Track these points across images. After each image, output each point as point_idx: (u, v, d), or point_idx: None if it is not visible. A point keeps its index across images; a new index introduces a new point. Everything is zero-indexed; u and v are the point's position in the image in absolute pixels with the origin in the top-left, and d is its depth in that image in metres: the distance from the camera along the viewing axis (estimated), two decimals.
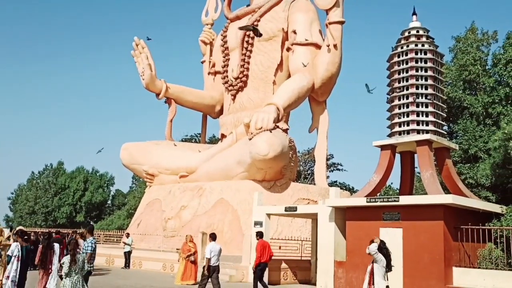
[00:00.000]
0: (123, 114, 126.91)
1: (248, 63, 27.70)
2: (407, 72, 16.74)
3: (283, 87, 25.39)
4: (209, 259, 12.96)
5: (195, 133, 50.00)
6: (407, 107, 16.50)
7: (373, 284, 9.74)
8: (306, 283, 18.30)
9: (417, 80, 16.55)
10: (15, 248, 10.76)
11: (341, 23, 24.78)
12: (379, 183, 16.36)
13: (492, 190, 23.28)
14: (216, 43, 30.91)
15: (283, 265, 18.40)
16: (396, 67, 17.06)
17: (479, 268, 13.60)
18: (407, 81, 16.70)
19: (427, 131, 15.97)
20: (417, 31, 17.10)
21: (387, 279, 9.74)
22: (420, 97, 16.41)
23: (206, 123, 32.49)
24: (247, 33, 27.62)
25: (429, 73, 16.56)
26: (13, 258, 10.62)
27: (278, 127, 23.40)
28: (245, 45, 27.68)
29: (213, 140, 43.24)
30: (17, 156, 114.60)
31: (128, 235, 23.22)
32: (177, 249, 19.82)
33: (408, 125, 16.34)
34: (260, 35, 25.33)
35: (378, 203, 14.72)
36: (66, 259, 9.23)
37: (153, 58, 29.25)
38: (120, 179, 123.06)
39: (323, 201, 16.66)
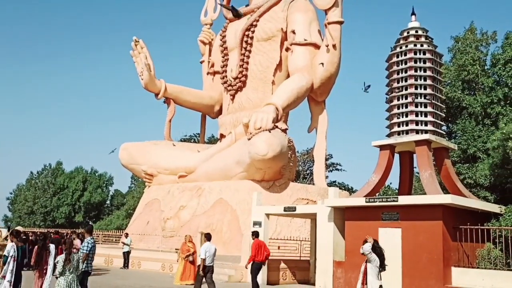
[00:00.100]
0: (122, 114, 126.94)
1: (247, 63, 27.70)
2: (406, 72, 16.74)
3: (282, 87, 25.39)
4: (204, 260, 13.00)
5: (194, 133, 50.00)
6: (406, 107, 16.50)
7: (366, 283, 9.75)
8: (305, 283, 18.29)
9: (416, 80, 16.56)
10: (11, 248, 10.74)
11: (340, 23, 24.80)
12: (378, 183, 16.36)
13: (491, 190, 23.31)
14: (215, 43, 30.92)
15: (282, 265, 18.39)
16: (395, 67, 17.07)
17: (478, 268, 13.60)
18: (406, 81, 16.70)
19: (426, 131, 15.97)
20: (416, 31, 17.10)
21: (381, 279, 9.74)
22: (419, 97, 16.41)
23: (205, 123, 32.49)
24: (246, 33, 27.63)
25: (428, 73, 16.57)
26: (9, 258, 10.59)
27: (277, 127, 23.40)
28: (244, 45, 27.68)
29: (212, 140, 43.23)
30: (16, 156, 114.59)
31: (127, 235, 23.19)
32: (176, 249, 19.80)
33: (407, 125, 16.34)
34: (238, 15, 25.28)
35: (377, 203, 14.72)
36: (60, 258, 9.27)
37: (152, 58, 29.24)
38: (119, 179, 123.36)
39: (322, 201, 16.66)
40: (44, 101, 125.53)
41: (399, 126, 16.54)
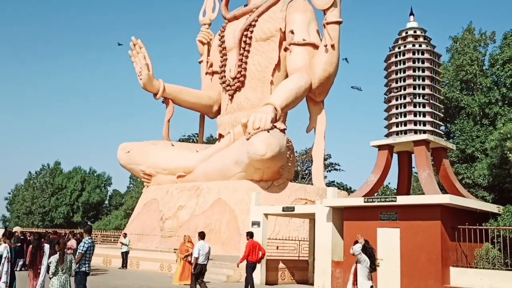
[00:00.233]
0: (120, 114, 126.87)
1: (246, 63, 27.69)
2: (404, 72, 16.77)
3: (281, 87, 25.40)
4: (197, 258, 13.08)
5: (193, 133, 50.00)
6: (405, 107, 16.52)
7: (356, 284, 9.77)
8: (303, 283, 18.31)
9: (414, 80, 16.58)
10: (4, 249, 10.75)
11: (339, 23, 24.82)
12: (376, 183, 16.38)
13: (489, 190, 23.34)
14: (214, 43, 30.92)
15: (281, 265, 18.40)
16: (393, 67, 17.09)
17: (476, 268, 13.63)
18: (404, 81, 16.72)
19: (425, 131, 16.00)
20: (415, 31, 17.13)
21: (371, 279, 9.76)
22: (417, 97, 16.44)
23: (204, 123, 32.48)
24: (245, 33, 27.64)
25: (427, 73, 16.59)
26: (3, 259, 10.61)
27: (275, 127, 23.41)
28: (242, 45, 27.68)
29: (211, 140, 43.21)
30: (14, 156, 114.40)
31: (125, 235, 23.18)
32: (175, 249, 19.80)
33: (405, 125, 16.37)
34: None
35: (376, 203, 14.73)
36: (53, 259, 9.30)
37: (151, 58, 29.22)
38: (117, 179, 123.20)
39: (321, 201, 16.67)
40: (43, 101, 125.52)
41: (397, 126, 16.56)
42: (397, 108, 16.72)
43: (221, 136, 28.22)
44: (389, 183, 43.56)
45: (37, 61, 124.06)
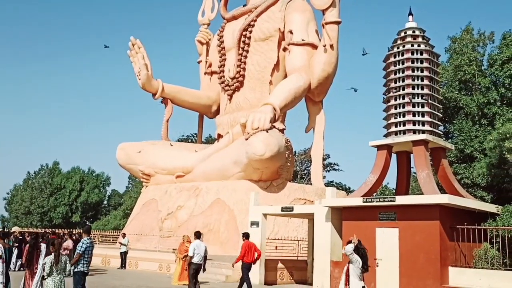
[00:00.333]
0: (119, 114, 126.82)
1: (245, 63, 27.68)
2: (403, 72, 16.77)
3: (280, 87, 25.40)
4: (191, 257, 13.12)
5: (192, 133, 50.01)
6: (403, 107, 16.53)
7: (348, 284, 9.78)
8: (302, 283, 18.31)
9: (413, 80, 16.59)
10: None
11: (338, 23, 24.84)
12: (375, 183, 16.39)
13: (487, 190, 23.37)
14: (213, 43, 30.91)
15: (280, 265, 18.40)
16: (392, 67, 17.09)
17: (475, 267, 13.64)
18: (403, 81, 16.73)
19: (423, 131, 16.01)
20: (413, 31, 17.13)
21: (363, 280, 9.77)
22: (416, 97, 16.44)
23: (203, 123, 32.47)
24: (244, 33, 27.64)
25: (425, 73, 16.60)
26: None
27: (274, 127, 23.41)
28: (241, 45, 27.67)
29: (210, 140, 43.20)
30: (13, 156, 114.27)
31: (124, 235, 23.16)
32: (173, 249, 19.80)
33: (404, 125, 16.37)
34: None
35: (375, 203, 14.74)
36: (48, 259, 9.29)
37: (150, 58, 29.22)
38: (116, 179, 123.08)
39: (320, 201, 16.67)
40: (42, 101, 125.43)
41: (396, 126, 16.57)
42: (396, 108, 16.73)
43: (220, 136, 28.21)
44: (388, 183, 43.67)
45: (37, 61, 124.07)
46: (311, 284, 16.87)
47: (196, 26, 32.30)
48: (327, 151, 50.44)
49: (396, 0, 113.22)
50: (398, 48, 17.15)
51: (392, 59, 17.16)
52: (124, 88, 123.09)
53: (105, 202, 67.96)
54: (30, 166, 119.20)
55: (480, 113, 25.37)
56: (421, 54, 16.80)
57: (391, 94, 16.92)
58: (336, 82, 26.29)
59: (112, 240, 31.37)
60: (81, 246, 9.83)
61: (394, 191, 21.61)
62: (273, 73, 27.16)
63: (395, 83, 16.91)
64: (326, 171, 46.33)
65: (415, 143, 15.74)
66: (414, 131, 16.14)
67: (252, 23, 27.61)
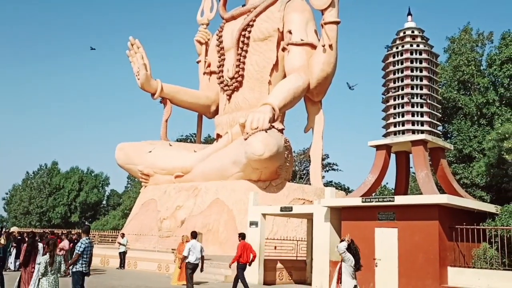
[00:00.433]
0: (118, 114, 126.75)
1: (244, 63, 27.67)
2: (402, 72, 16.77)
3: (279, 87, 25.39)
4: (185, 257, 13.20)
5: (191, 133, 50.01)
6: (402, 107, 16.53)
7: (340, 283, 9.79)
8: (301, 283, 18.30)
9: (412, 80, 16.59)
10: None
11: (337, 23, 24.83)
12: (374, 183, 16.38)
13: (486, 190, 23.40)
14: (212, 43, 30.89)
15: (279, 265, 18.39)
16: (391, 67, 17.09)
17: (473, 267, 13.64)
18: (402, 81, 16.72)
19: (422, 131, 16.01)
20: (412, 31, 17.13)
21: (356, 278, 9.77)
22: (415, 97, 16.44)
23: (202, 123, 32.46)
24: (243, 33, 27.63)
25: (424, 73, 16.60)
26: None
27: (273, 127, 23.40)
28: (240, 45, 27.66)
29: (209, 140, 43.20)
30: (12, 156, 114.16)
31: (123, 235, 23.15)
32: (172, 249, 19.78)
33: (403, 125, 16.37)
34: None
35: (374, 203, 14.74)
36: (43, 259, 9.31)
37: (149, 58, 29.20)
38: (115, 179, 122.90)
39: (319, 201, 16.66)
40: (41, 101, 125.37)
41: (395, 126, 16.57)
42: (395, 108, 16.73)
43: (219, 136, 28.19)
44: (387, 183, 43.71)
45: (37, 61, 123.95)
46: (310, 284, 16.86)
47: (195, 26, 32.29)
48: (326, 151, 50.54)
49: (395, 0, 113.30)
50: (397, 48, 17.15)
51: (391, 59, 17.16)
52: (123, 88, 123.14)
53: (104, 202, 67.89)
54: (29, 166, 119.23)
55: (479, 113, 25.40)
56: (420, 54, 16.80)
57: (390, 94, 16.92)
58: (335, 82, 26.32)
59: (111, 240, 31.35)
60: (80, 246, 9.82)
61: (393, 191, 21.62)
62: (272, 73, 27.15)
63: (394, 83, 16.91)
64: (325, 171, 46.34)
65: (414, 143, 15.73)
66: (413, 131, 16.14)
67: (251, 23, 27.60)
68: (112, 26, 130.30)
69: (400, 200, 14.30)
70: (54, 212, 61.48)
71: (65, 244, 17.99)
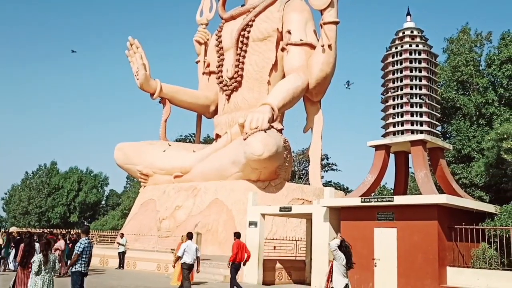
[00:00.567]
0: (117, 114, 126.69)
1: (243, 63, 27.67)
2: (401, 72, 16.78)
3: (278, 87, 25.39)
4: (179, 257, 13.27)
5: (190, 133, 49.99)
6: (402, 107, 16.53)
7: (331, 281, 9.80)
8: (300, 283, 18.30)
9: (411, 80, 16.59)
10: None
11: (336, 23, 24.83)
12: (373, 183, 16.39)
13: (485, 190, 23.42)
14: (211, 43, 30.88)
15: (278, 265, 18.39)
16: (390, 67, 17.10)
17: (473, 267, 13.65)
18: (401, 81, 16.73)
19: (421, 131, 16.02)
20: (411, 32, 17.14)
21: (347, 277, 9.77)
22: (414, 97, 16.45)
23: (201, 123, 32.46)
24: (242, 33, 27.63)
25: (423, 73, 16.61)
26: None
27: (272, 127, 23.41)
28: (239, 45, 27.66)
29: (208, 140, 43.20)
30: (11, 156, 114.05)
31: (122, 235, 23.13)
32: (171, 249, 19.77)
33: (402, 125, 16.38)
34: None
35: (373, 203, 14.75)
36: (37, 258, 9.36)
37: (148, 58, 29.20)
38: (114, 179, 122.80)
39: (318, 201, 16.67)
40: (40, 101, 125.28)
41: (394, 126, 16.57)
42: (394, 108, 16.73)
43: (218, 136, 28.19)
44: (386, 183, 43.70)
45: (37, 61, 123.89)
46: (309, 284, 16.86)
47: (194, 26, 32.26)
48: (325, 151, 50.57)
49: (395, 0, 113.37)
50: (396, 48, 17.16)
51: (390, 59, 17.16)
52: (122, 88, 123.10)
53: (103, 202, 67.86)
54: (28, 166, 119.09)
55: (477, 113, 25.42)
56: (419, 54, 16.80)
57: (389, 94, 16.92)
58: (334, 82, 26.33)
59: (110, 240, 31.33)
60: (79, 247, 9.83)
61: (392, 191, 21.63)
62: (271, 73, 27.16)
63: (393, 83, 16.91)
64: (324, 171, 46.34)
65: (413, 143, 15.74)
66: (412, 131, 16.14)
67: (250, 23, 27.60)
68: (112, 26, 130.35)
69: (399, 200, 14.31)
70: (53, 212, 61.44)
71: (60, 244, 17.99)
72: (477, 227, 13.76)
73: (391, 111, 16.77)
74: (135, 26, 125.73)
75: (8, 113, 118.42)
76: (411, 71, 16.67)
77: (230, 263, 13.73)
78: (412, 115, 16.36)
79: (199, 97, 30.75)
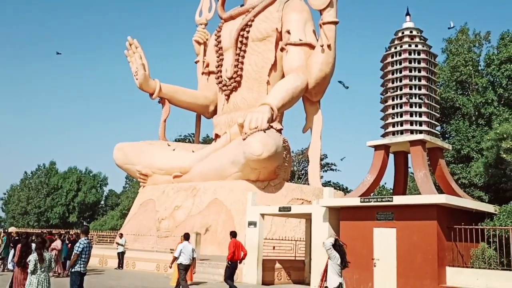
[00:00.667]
0: (116, 114, 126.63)
1: (242, 63, 27.66)
2: (400, 72, 16.78)
3: (277, 87, 25.39)
4: (176, 258, 13.28)
5: (189, 133, 49.96)
6: (401, 107, 16.54)
7: (325, 280, 9.82)
8: (300, 283, 18.29)
9: (410, 80, 16.60)
10: None
11: (335, 23, 24.83)
12: (373, 183, 16.39)
13: (485, 190, 23.43)
14: (210, 43, 30.87)
15: (277, 265, 18.38)
16: (389, 67, 17.10)
17: (472, 267, 13.66)
18: (400, 81, 16.74)
19: (421, 131, 16.02)
20: (411, 32, 17.14)
21: (341, 276, 9.78)
22: (413, 97, 16.45)
23: (200, 123, 32.44)
24: (241, 33, 27.62)
25: (423, 73, 16.61)
26: None
27: (272, 127, 23.40)
28: (239, 45, 27.65)
29: (207, 140, 43.18)
30: (10, 157, 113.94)
31: (121, 235, 23.11)
32: (171, 249, 19.77)
33: (401, 125, 16.38)
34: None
35: (372, 203, 14.74)
36: (32, 257, 9.39)
37: (147, 58, 29.19)
38: (113, 179, 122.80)
39: (317, 201, 16.66)
40: (39, 102, 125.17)
41: (393, 126, 16.57)
42: (393, 108, 16.73)
43: (217, 136, 28.18)
44: (385, 183, 43.70)
45: (37, 61, 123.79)
46: (308, 284, 16.86)
47: (193, 26, 32.25)
48: (325, 151, 50.48)
49: (394, 0, 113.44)
50: (395, 48, 17.16)
51: (389, 59, 17.16)
52: (121, 88, 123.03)
53: (102, 202, 67.83)
54: (27, 166, 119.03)
55: (477, 113, 25.43)
56: (419, 54, 16.80)
57: (389, 94, 16.92)
58: (333, 82, 26.32)
59: (109, 241, 31.32)
60: (79, 247, 9.83)
61: (391, 191, 21.63)
62: (270, 73, 27.15)
63: (393, 83, 16.91)
64: (323, 171, 46.34)
65: (413, 143, 15.74)
66: (412, 131, 16.15)
67: (249, 23, 27.59)
68: (112, 26, 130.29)
69: (398, 200, 14.32)
70: (52, 212, 61.39)
71: (57, 244, 17.96)
72: (476, 227, 13.76)
73: (390, 111, 16.77)
74: (135, 26, 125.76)
75: (7, 113, 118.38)
76: (410, 71, 16.67)
77: (230, 262, 13.74)
78: (411, 115, 16.36)
79: (198, 97, 30.74)
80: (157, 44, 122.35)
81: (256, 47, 27.41)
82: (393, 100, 16.78)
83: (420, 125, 16.25)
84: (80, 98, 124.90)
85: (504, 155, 18.80)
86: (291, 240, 21.09)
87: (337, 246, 9.85)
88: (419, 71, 16.64)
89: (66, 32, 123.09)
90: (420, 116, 16.34)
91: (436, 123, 16.99)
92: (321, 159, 35.79)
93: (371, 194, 17.12)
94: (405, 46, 16.88)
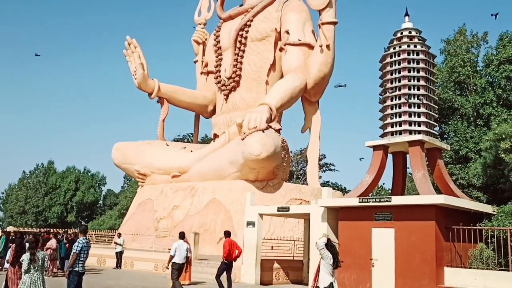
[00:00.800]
0: (115, 114, 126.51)
1: (241, 63, 27.66)
2: (399, 72, 16.80)
3: (276, 87, 25.39)
4: (172, 256, 13.30)
5: (188, 133, 49.93)
6: (400, 107, 16.55)
7: (317, 280, 9.85)
8: (298, 283, 18.31)
9: (409, 80, 16.62)
10: None
11: (334, 23, 24.83)
12: (371, 183, 16.40)
13: (483, 191, 23.44)
14: (209, 43, 30.87)
15: (276, 265, 18.39)
16: (388, 68, 17.11)
17: (470, 268, 13.68)
18: (399, 81, 16.75)
19: (419, 132, 16.04)
20: (410, 32, 17.16)
21: (333, 276, 9.80)
22: (412, 98, 16.47)
23: (199, 123, 32.43)
24: (240, 33, 27.62)
25: (421, 73, 16.63)
26: None
27: (270, 127, 23.39)
28: (238, 45, 27.65)
29: (206, 140, 43.17)
30: (8, 156, 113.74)
31: (119, 235, 23.11)
32: (169, 249, 19.73)
33: (400, 125, 16.40)
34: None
35: (371, 203, 14.75)
36: (25, 257, 9.41)
37: (146, 58, 29.17)
38: (111, 179, 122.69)
39: (316, 201, 16.67)
40: (38, 101, 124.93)
41: (392, 127, 16.59)
42: (392, 109, 16.75)
43: (216, 136, 28.17)
44: (383, 184, 43.79)
45: (37, 61, 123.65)
46: (306, 284, 16.87)
47: (192, 26, 32.24)
48: (323, 151, 50.53)
49: (393, 1, 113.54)
50: (394, 48, 17.18)
51: (388, 60, 17.18)
52: (120, 88, 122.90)
53: (101, 201, 67.80)
54: (25, 165, 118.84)
55: (475, 114, 25.46)
56: (417, 54, 16.82)
57: (387, 94, 16.94)
58: (332, 82, 26.33)
59: (108, 240, 31.30)
60: (77, 246, 9.84)
61: (390, 191, 21.65)
62: (269, 73, 27.15)
63: (391, 83, 16.93)
64: (322, 171, 46.37)
65: (411, 143, 15.76)
66: (410, 132, 16.16)
67: (248, 23, 27.59)
68: (112, 26, 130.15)
69: (397, 200, 14.33)
70: (50, 212, 61.34)
71: (52, 243, 17.93)
72: (474, 227, 13.78)
73: (389, 111, 16.79)
74: (134, 26, 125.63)
75: (6, 113, 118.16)
76: (409, 71, 16.69)
77: (225, 261, 13.77)
78: (410, 116, 16.39)
79: (197, 97, 30.73)
80: (156, 44, 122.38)
81: (255, 47, 27.42)
82: (391, 100, 16.79)
83: (419, 125, 16.27)
84: (79, 98, 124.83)
85: (503, 156, 18.82)
86: (290, 240, 21.10)
87: (329, 246, 9.88)
88: (418, 72, 16.66)
89: (66, 32, 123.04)
90: (419, 116, 16.36)
91: (434, 123, 17.01)
92: (320, 159, 35.81)
93: (370, 194, 17.14)
94: (404, 47, 16.90)
